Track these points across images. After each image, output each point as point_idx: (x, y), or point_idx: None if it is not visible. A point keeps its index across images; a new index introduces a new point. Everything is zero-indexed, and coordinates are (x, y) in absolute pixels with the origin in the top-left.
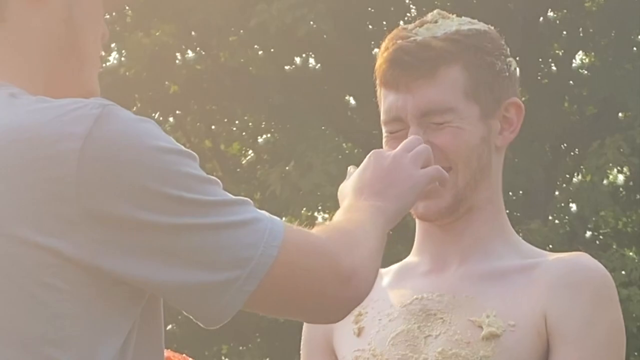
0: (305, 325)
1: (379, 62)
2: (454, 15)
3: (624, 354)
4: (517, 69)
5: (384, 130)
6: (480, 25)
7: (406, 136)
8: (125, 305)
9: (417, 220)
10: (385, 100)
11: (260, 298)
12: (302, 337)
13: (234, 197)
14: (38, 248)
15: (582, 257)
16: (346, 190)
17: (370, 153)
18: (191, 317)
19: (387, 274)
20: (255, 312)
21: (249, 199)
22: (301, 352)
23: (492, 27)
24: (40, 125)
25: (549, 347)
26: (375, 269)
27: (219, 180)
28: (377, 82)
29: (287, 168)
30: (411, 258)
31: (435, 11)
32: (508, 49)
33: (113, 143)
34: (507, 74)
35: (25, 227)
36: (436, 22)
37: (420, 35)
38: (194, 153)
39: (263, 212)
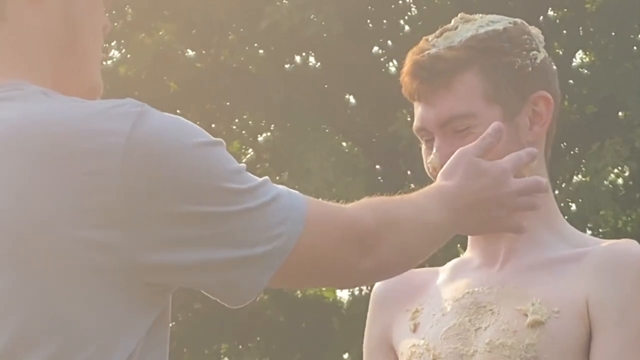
0: (367, 324)
1: (402, 74)
2: (479, 16)
3: None
4: (547, 59)
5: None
6: (501, 24)
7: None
8: (145, 308)
9: None
10: (415, 110)
11: (288, 271)
12: (365, 336)
13: (258, 179)
14: (79, 240)
15: (628, 244)
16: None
17: (461, 156)
18: (218, 299)
19: (443, 272)
20: (281, 286)
21: (267, 177)
22: (363, 350)
23: (518, 21)
24: (82, 120)
25: (591, 331)
26: (407, 258)
27: (244, 165)
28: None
29: (282, 175)
30: (466, 254)
31: (458, 15)
32: (536, 41)
33: (155, 139)
34: (530, 68)
35: (66, 218)
36: (456, 28)
37: (437, 46)
38: (222, 140)
39: (282, 187)
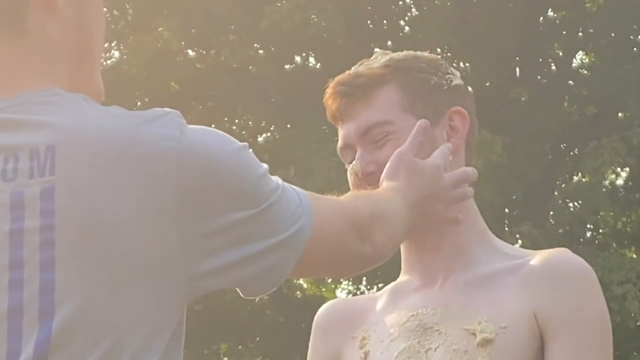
0: (309, 351)
1: (325, 101)
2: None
3: (611, 343)
4: (464, 87)
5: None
6: (418, 54)
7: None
8: (179, 308)
9: None
10: (339, 134)
11: (306, 257)
12: (308, 357)
13: (267, 170)
14: (139, 239)
15: (563, 253)
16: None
17: (400, 157)
18: (245, 290)
19: (381, 297)
20: (299, 276)
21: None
22: None
23: (438, 55)
24: (136, 127)
25: (543, 342)
26: (395, 242)
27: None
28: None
29: (290, 171)
30: (402, 277)
31: (379, 51)
32: (451, 69)
33: (203, 146)
34: (446, 87)
35: (129, 218)
36: (376, 58)
37: (361, 70)
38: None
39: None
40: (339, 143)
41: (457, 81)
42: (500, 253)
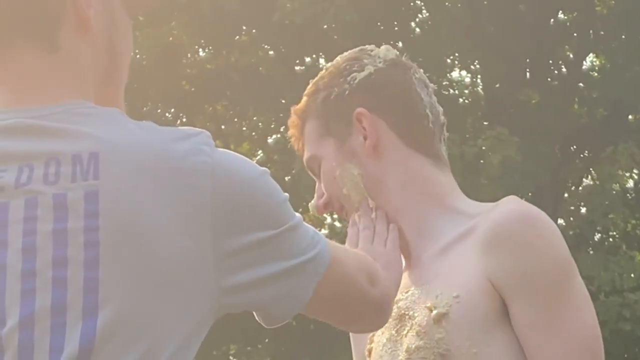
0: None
1: None
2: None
3: (574, 283)
4: (376, 73)
5: None
6: (333, 63)
7: None
8: (206, 324)
9: None
10: None
11: (322, 290)
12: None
13: (287, 198)
14: (178, 245)
15: (504, 209)
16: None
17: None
18: (267, 314)
19: None
20: (313, 313)
21: None
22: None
23: (358, 49)
24: (171, 140)
25: (505, 303)
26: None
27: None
28: None
29: (298, 172)
30: None
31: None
32: (364, 61)
33: (233, 165)
34: (348, 92)
35: (169, 225)
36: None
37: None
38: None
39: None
40: None
41: (363, 74)
42: (461, 215)
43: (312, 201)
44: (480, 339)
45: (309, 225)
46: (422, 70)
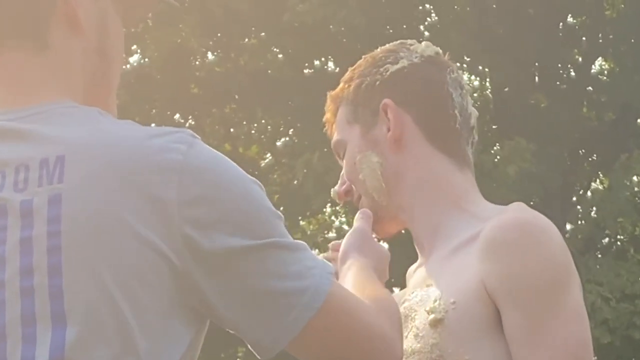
0: None
1: None
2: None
3: (566, 293)
4: (408, 68)
5: None
6: (372, 53)
7: None
8: (188, 323)
9: None
10: None
11: (316, 325)
12: None
13: (280, 216)
14: (141, 240)
15: (510, 214)
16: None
17: (354, 227)
18: (253, 340)
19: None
20: (304, 355)
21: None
22: None
23: (400, 42)
24: (144, 139)
25: (498, 310)
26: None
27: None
28: None
29: (314, 155)
30: None
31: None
32: (400, 54)
33: (210, 163)
34: (379, 82)
35: (136, 224)
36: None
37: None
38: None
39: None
40: None
41: (396, 67)
42: (474, 217)
43: (335, 187)
44: (473, 346)
45: (315, 256)
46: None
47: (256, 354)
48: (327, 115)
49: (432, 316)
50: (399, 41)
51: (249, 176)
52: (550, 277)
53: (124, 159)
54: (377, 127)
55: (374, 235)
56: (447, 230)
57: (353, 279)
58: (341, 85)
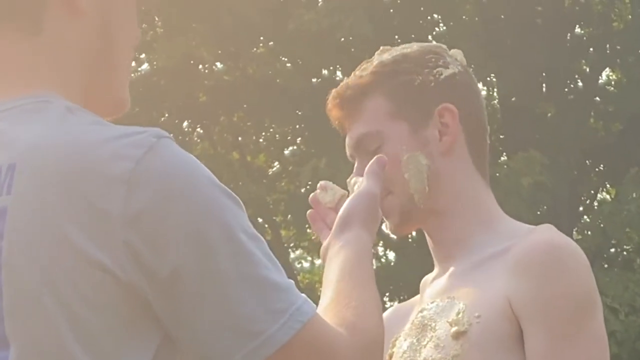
0: None
1: (327, 112)
2: (402, 46)
3: (592, 319)
4: (459, 75)
5: None
6: (412, 48)
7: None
8: (145, 335)
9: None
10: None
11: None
12: None
13: (277, 262)
14: (84, 257)
15: (542, 235)
16: (348, 219)
17: (363, 189)
18: None
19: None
20: None
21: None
22: None
23: (432, 44)
24: (98, 144)
25: (521, 329)
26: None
27: (262, 239)
28: None
29: (321, 161)
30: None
31: (381, 48)
32: (446, 60)
33: (167, 171)
34: (433, 84)
35: (78, 238)
36: (371, 61)
37: (352, 78)
38: (240, 201)
39: (301, 294)
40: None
41: (448, 72)
42: (500, 235)
43: (351, 178)
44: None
45: (289, 292)
46: None
47: None
48: (341, 103)
49: (455, 328)
50: (434, 43)
51: (221, 186)
52: (577, 303)
53: (72, 169)
54: (428, 129)
55: (387, 229)
56: (473, 245)
57: (345, 272)
58: (369, 75)
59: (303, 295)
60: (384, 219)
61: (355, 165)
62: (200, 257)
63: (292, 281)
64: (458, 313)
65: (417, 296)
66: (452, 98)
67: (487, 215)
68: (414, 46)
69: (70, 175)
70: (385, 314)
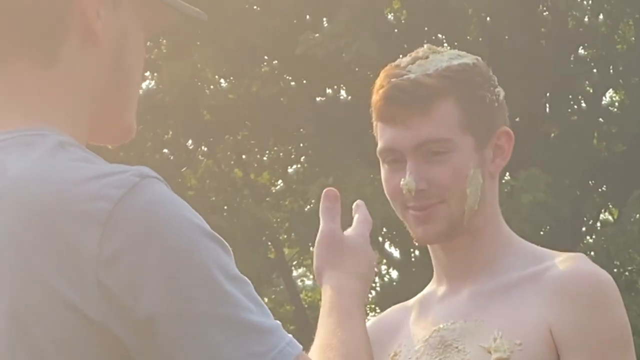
0: None
1: (375, 98)
2: (444, 49)
3: (630, 353)
4: (503, 97)
5: (381, 161)
6: (469, 59)
7: (404, 168)
8: None
9: (429, 248)
10: (383, 133)
11: None
12: None
13: (263, 304)
14: (56, 294)
15: (578, 265)
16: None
17: (357, 238)
18: None
19: (413, 308)
20: None
21: (278, 323)
22: None
23: (480, 59)
24: (79, 182)
25: (559, 357)
26: None
27: (248, 281)
28: (374, 117)
29: (329, 179)
30: (430, 286)
31: (425, 46)
32: (495, 79)
33: (146, 212)
34: (497, 104)
35: (51, 278)
36: (427, 57)
37: (413, 72)
38: (227, 244)
39: (288, 334)
40: (383, 144)
41: (503, 93)
42: (522, 258)
43: (410, 180)
44: None
45: (270, 338)
46: None
47: None
48: (404, 97)
49: (496, 355)
50: (472, 57)
51: (204, 228)
52: (617, 336)
53: (51, 206)
54: (486, 148)
55: (412, 234)
56: (497, 266)
57: (322, 329)
58: (441, 78)
59: (289, 336)
60: (408, 226)
61: (410, 167)
62: (176, 301)
63: (279, 322)
64: (495, 339)
65: (398, 306)
66: (505, 122)
67: (508, 237)
68: (470, 57)
69: (50, 213)
70: (369, 325)
